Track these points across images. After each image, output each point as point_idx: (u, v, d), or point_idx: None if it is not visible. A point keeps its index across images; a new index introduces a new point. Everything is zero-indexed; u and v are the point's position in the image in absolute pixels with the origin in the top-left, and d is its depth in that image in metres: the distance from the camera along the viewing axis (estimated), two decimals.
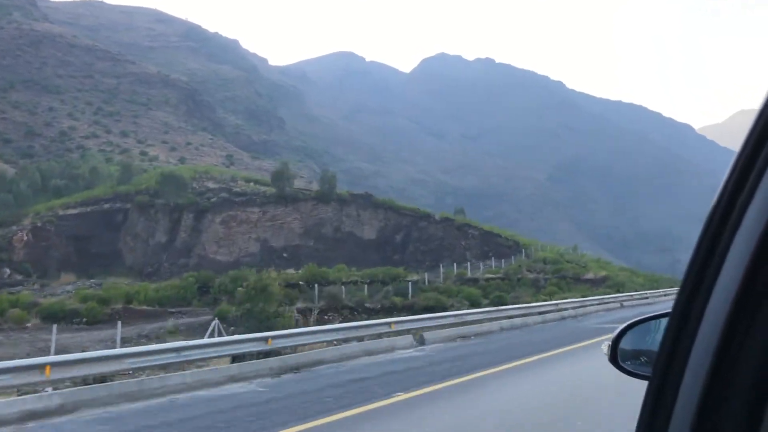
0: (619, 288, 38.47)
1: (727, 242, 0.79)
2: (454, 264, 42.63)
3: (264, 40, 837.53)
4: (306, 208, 48.67)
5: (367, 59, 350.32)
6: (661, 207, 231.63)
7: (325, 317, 26.14)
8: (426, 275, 33.19)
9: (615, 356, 1.91)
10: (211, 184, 53.71)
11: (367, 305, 27.07)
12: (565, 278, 37.05)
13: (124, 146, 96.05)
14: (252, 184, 55.31)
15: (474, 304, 27.64)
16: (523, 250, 44.49)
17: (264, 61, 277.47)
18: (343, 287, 27.95)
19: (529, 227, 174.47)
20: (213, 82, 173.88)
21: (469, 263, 41.97)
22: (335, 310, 26.34)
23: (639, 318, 1.93)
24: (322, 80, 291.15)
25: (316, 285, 26.78)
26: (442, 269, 35.34)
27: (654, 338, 1.80)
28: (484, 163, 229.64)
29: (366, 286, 29.59)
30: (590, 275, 38.73)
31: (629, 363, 1.89)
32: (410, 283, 31.65)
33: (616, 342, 1.92)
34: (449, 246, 50.88)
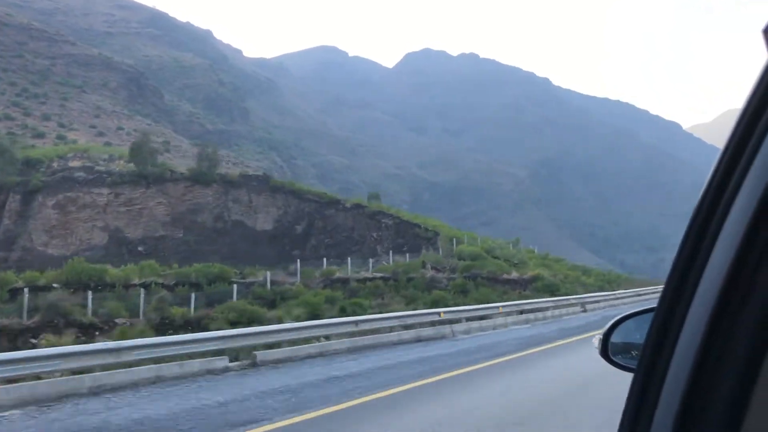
0: (552, 291, 29.25)
1: (712, 239, 0.79)
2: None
3: (245, 33, 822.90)
4: (176, 191, 38.78)
5: (350, 54, 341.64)
6: (648, 206, 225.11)
7: (32, 340, 16.60)
8: (268, 275, 23.71)
9: (606, 350, 1.90)
10: (76, 163, 43.80)
11: (118, 321, 17.46)
12: (476, 278, 27.58)
13: (41, 130, 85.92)
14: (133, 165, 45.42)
15: (314, 317, 18.46)
16: (439, 243, 34.99)
17: (238, 52, 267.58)
18: (82, 293, 18.29)
19: (509, 225, 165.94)
20: (171, 69, 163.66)
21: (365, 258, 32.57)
22: (55, 327, 16.68)
23: (629, 312, 1.89)
24: (302, 73, 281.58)
25: (27, 290, 17.17)
26: (299, 267, 25.86)
27: (644, 332, 1.55)
28: (464, 159, 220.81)
29: (142, 289, 19.97)
30: (513, 275, 29.27)
31: (620, 357, 1.88)
32: (235, 286, 22.11)
33: (607, 336, 1.90)
34: (359, 238, 41.43)
